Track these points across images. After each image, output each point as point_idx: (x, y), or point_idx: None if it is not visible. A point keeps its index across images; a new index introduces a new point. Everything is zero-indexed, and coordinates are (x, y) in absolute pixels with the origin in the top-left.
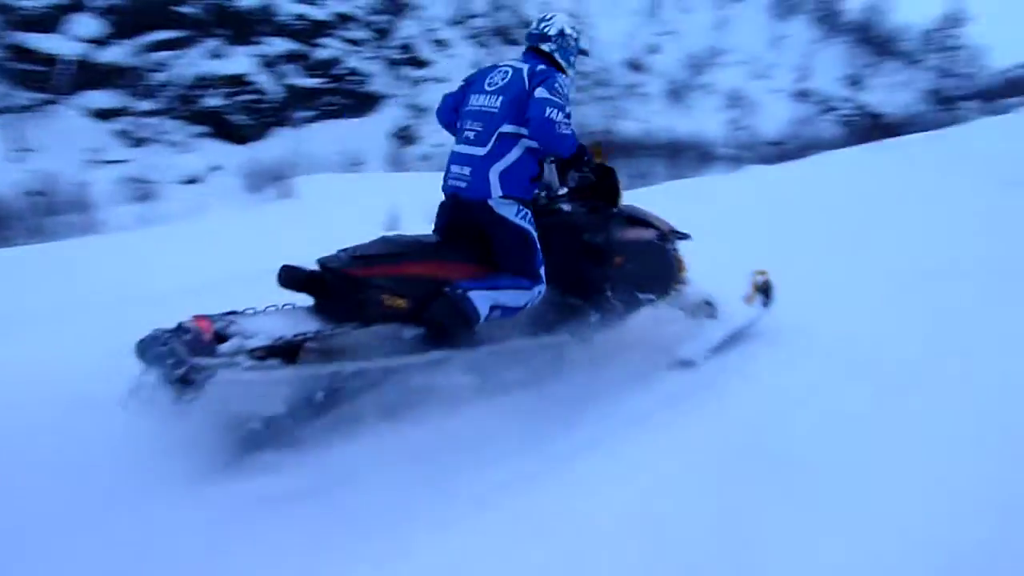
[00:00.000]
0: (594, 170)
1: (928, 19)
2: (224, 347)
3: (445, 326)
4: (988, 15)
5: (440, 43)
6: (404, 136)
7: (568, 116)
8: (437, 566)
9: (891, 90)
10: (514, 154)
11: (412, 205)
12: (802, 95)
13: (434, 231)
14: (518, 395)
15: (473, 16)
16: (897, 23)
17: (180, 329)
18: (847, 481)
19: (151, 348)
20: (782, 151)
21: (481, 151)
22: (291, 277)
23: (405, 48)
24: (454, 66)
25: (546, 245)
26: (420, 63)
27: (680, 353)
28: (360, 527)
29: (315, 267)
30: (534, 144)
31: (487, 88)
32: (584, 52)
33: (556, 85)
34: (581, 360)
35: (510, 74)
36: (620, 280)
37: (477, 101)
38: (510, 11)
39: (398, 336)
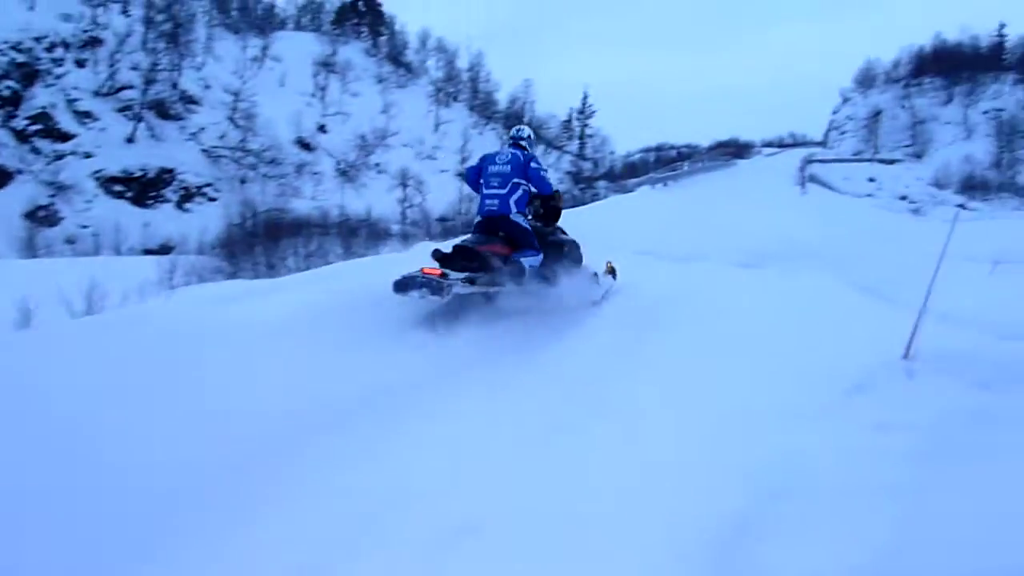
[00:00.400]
0: (544, 206)
1: (565, 111)
2: (451, 278)
3: (515, 275)
4: (607, 110)
5: (85, 115)
6: (42, 217)
7: (547, 172)
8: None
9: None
10: (519, 192)
11: (51, 296)
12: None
13: (474, 229)
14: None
15: (125, 88)
16: (540, 113)
17: (419, 273)
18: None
19: (412, 281)
20: (449, 227)
21: (503, 191)
22: (438, 253)
23: (40, 119)
24: (104, 139)
25: (526, 247)
26: (61, 136)
27: (594, 297)
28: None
29: (448, 250)
30: (528, 187)
31: (498, 162)
32: (535, 143)
33: (539, 160)
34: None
35: (510, 156)
36: (566, 259)
37: (494, 168)
38: (166, 84)
39: (496, 279)
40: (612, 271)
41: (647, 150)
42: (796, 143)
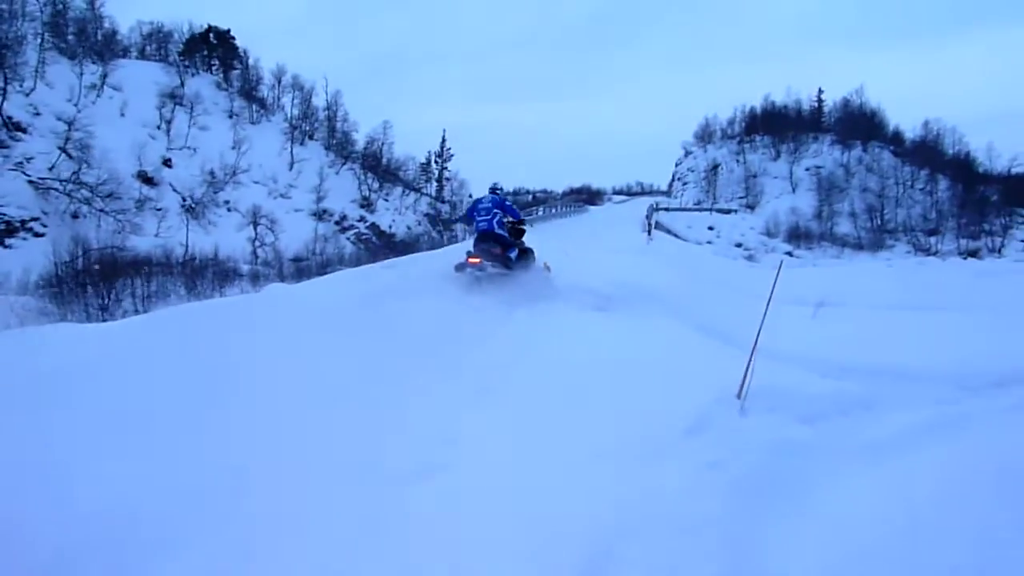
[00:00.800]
0: (514, 228)
1: (423, 153)
2: (484, 263)
3: (508, 264)
4: (465, 154)
5: None
6: None
7: (517, 206)
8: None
9: (398, 213)
10: (498, 218)
11: None
12: (321, 215)
13: (475, 242)
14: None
15: None
16: (399, 155)
17: (466, 262)
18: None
19: (465, 265)
20: (302, 267)
21: (488, 217)
22: (470, 254)
23: None
24: None
25: (510, 246)
26: None
27: (548, 281)
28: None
29: (474, 251)
30: (502, 215)
31: (484, 203)
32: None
33: (510, 199)
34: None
35: (491, 198)
36: (528, 257)
37: (482, 206)
38: None
39: (502, 264)
40: (548, 267)
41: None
42: (644, 191)
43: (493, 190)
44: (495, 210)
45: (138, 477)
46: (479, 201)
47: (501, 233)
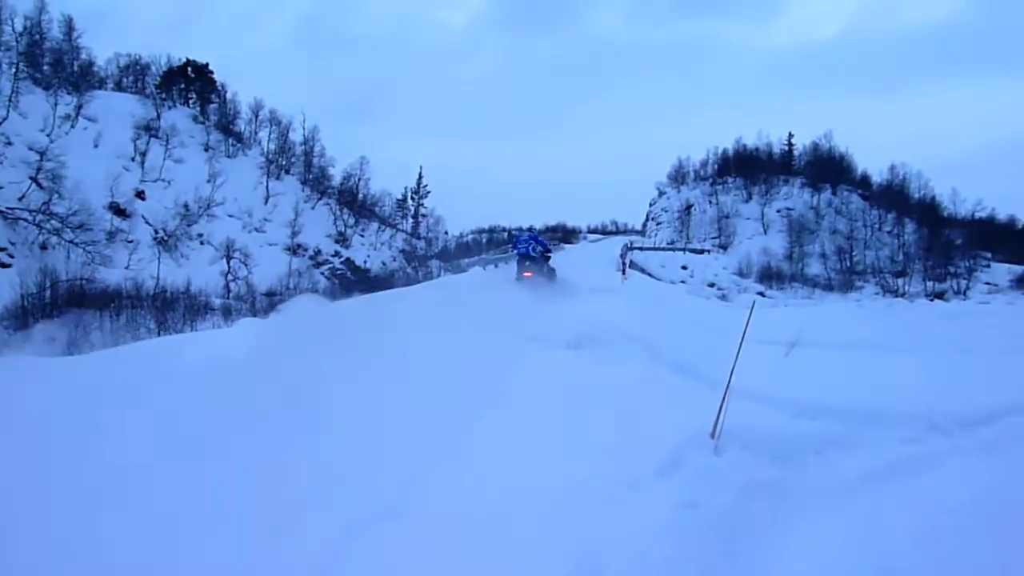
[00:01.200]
0: (543, 255)
1: (399, 189)
2: (535, 273)
3: (544, 272)
4: (442, 191)
5: None
6: None
7: (546, 240)
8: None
9: (373, 248)
10: (532, 247)
11: None
12: (295, 249)
13: (518, 262)
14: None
15: None
16: (375, 190)
17: (522, 275)
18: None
19: (521, 279)
20: (276, 302)
21: (527, 246)
22: (522, 271)
23: None
24: None
25: (542, 264)
26: None
27: (567, 285)
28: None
29: (525, 267)
30: (536, 245)
31: (524, 237)
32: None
33: (543, 237)
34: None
35: (529, 234)
36: (554, 272)
37: (523, 238)
38: None
39: (542, 275)
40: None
41: (480, 231)
42: (618, 230)
43: (530, 229)
44: (531, 241)
45: None
46: (520, 234)
47: (535, 256)
